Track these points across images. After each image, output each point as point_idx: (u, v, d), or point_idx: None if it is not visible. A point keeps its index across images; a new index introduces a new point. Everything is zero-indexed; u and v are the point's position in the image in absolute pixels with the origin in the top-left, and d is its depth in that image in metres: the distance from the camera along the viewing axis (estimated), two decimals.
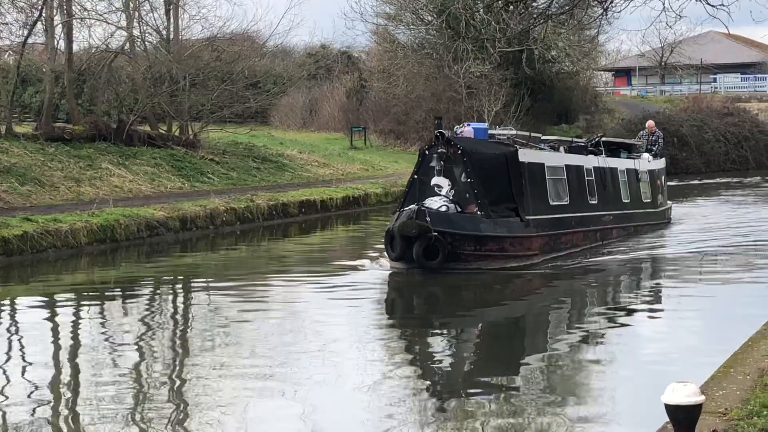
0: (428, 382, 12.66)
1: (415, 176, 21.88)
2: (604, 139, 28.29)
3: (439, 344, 15.22)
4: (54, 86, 36.11)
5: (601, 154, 26.41)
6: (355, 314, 17.23)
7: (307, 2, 67.63)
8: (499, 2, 48.24)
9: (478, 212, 21.13)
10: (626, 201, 27.07)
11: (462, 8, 48.27)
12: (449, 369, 13.69)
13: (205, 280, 21.43)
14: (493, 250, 21.10)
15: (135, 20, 38.82)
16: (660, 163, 30.83)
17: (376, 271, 21.25)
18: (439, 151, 21.34)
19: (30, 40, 36.32)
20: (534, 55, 52.19)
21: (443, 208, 20.76)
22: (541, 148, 24.26)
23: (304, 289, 19.83)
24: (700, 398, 6.71)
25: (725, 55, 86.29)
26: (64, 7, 35.26)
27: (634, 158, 28.75)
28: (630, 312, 17.82)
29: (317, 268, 22.65)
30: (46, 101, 35.30)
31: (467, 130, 22.86)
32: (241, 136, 42.24)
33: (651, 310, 18.16)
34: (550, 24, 47.84)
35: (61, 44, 36.19)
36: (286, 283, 20.44)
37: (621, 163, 27.44)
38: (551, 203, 22.98)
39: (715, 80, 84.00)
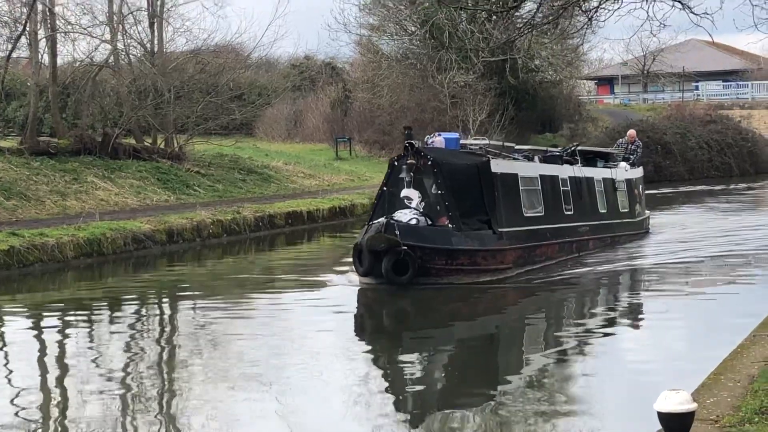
0: (401, 402, 12.23)
1: (385, 188, 21.21)
2: (580, 148, 27.87)
3: (410, 361, 14.69)
4: (38, 100, 36.06)
5: (577, 163, 25.90)
6: (320, 333, 16.42)
7: (291, 14, 67.74)
8: (483, 13, 48.47)
9: (449, 225, 20.47)
10: (603, 211, 26.42)
11: (445, 19, 48.50)
12: (422, 387, 13.21)
13: (191, 293, 21.39)
14: (464, 264, 20.48)
15: (119, 33, 38.80)
16: (638, 172, 30.33)
17: (344, 287, 20.49)
18: (409, 162, 20.72)
19: (14, 54, 36.31)
20: (517, 65, 52.36)
21: (413, 221, 20.14)
22: (514, 158, 23.76)
23: (267, 307, 19.11)
24: (692, 406, 6.76)
25: (707, 63, 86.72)
26: (48, 21, 35.25)
27: (610, 167, 28.17)
28: (611, 323, 17.49)
29: (286, 283, 21.97)
30: (30, 115, 35.23)
31: (438, 140, 22.27)
32: (227, 148, 42.22)
33: (633, 321, 17.98)
34: (533, 33, 48.18)
35: (45, 58, 36.18)
36: (257, 300, 19.94)
37: (597, 173, 26.83)
38: (525, 215, 22.35)
39: (697, 88, 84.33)
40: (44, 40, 35.69)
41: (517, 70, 52.69)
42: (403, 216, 20.15)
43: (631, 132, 32.57)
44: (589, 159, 27.72)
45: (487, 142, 24.15)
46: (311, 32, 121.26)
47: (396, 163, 21.13)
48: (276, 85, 54.21)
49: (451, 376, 13.87)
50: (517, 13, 43.62)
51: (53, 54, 35.88)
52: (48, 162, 32.26)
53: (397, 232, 19.47)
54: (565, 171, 24.68)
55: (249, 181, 38.48)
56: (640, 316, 18.45)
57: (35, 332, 17.05)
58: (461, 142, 23.16)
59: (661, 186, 51.45)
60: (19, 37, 34.22)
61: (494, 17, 46.14)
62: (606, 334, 16.35)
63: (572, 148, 27.13)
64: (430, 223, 20.40)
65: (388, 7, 54.66)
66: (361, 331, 17.55)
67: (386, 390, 12.86)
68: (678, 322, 17.29)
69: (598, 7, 12.74)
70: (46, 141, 35.19)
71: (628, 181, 28.61)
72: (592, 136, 60.43)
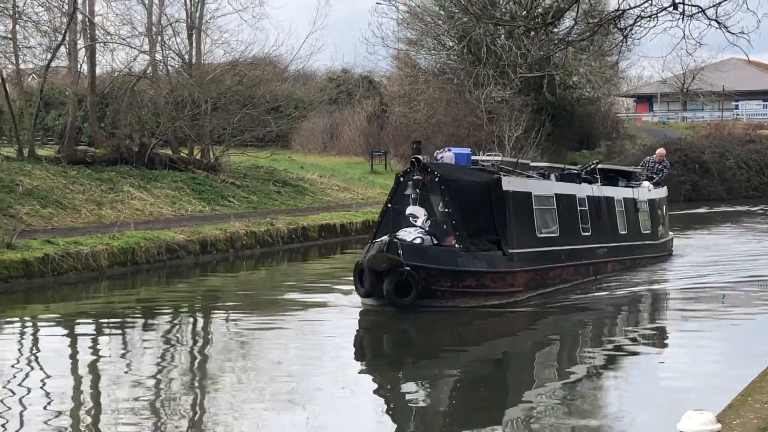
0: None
1: (389, 205, 20.27)
2: (600, 166, 26.70)
3: (412, 389, 13.69)
4: (77, 109, 36.35)
5: (597, 182, 24.93)
6: (318, 357, 15.42)
7: (328, 27, 68.04)
8: (520, 28, 48.45)
9: (456, 245, 19.37)
10: (623, 232, 25.41)
11: (483, 34, 48.48)
12: (424, 415, 12.37)
13: (223, 303, 21.43)
14: (471, 287, 19.39)
15: (157, 44, 39.05)
16: (661, 192, 29.26)
17: (346, 308, 19.48)
18: (415, 178, 19.73)
19: (53, 64, 36.62)
20: (555, 81, 52.26)
21: (418, 240, 19.12)
22: (528, 176, 22.68)
23: (261, 327, 18.26)
24: (716, 426, 6.69)
25: (747, 82, 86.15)
26: (88, 31, 35.57)
27: (633, 187, 27.12)
28: (629, 348, 16.63)
29: (289, 303, 20.93)
30: (68, 124, 35.52)
31: (448, 155, 21.20)
32: (262, 160, 42.41)
33: (653, 346, 17.26)
34: (570, 50, 48.05)
35: (84, 68, 36.49)
36: (277, 312, 19.58)
37: (618, 192, 25.84)
38: (538, 235, 21.30)
39: (737, 107, 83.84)
40: (83, 49, 36.02)
41: (554, 87, 52.57)
42: (408, 235, 19.25)
43: (660, 150, 31.22)
44: (610, 178, 26.77)
45: (500, 158, 22.80)
46: (348, 46, 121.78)
47: (402, 179, 20.18)
48: (313, 98, 54.36)
49: (456, 404, 13.05)
50: (555, 30, 43.56)
51: (92, 64, 36.20)
52: (85, 171, 32.50)
53: (400, 252, 18.57)
54: (583, 190, 23.78)
55: (283, 193, 38.60)
56: (660, 341, 17.76)
57: (69, 340, 17.12)
58: (473, 158, 22.11)
59: (699, 205, 51.11)
60: (58, 47, 34.51)
61: (532, 33, 46.15)
62: (624, 359, 15.73)
63: (592, 166, 26.06)
64: (435, 242, 19.43)
65: (426, 21, 54.67)
66: (360, 355, 16.55)
67: (383, 420, 12.16)
68: (700, 347, 16.64)
69: (633, 24, 12.65)
70: (83, 150, 35.47)
71: (651, 202, 27.70)
72: (630, 153, 60.16)
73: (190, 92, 38.51)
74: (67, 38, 34.40)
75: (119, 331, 17.76)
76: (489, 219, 19.95)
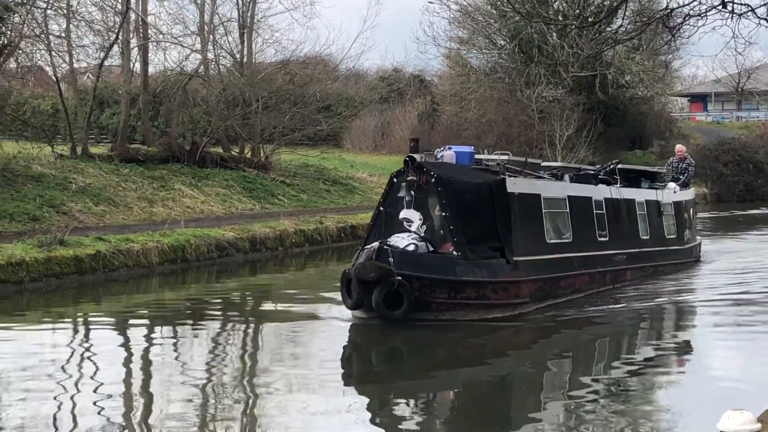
0: None
1: (381, 208, 18.46)
2: (620, 166, 24.66)
3: (404, 413, 12.12)
4: (129, 108, 36.71)
5: (616, 183, 23.15)
6: (301, 374, 13.91)
7: (378, 26, 68.11)
8: (573, 26, 48.20)
9: (454, 252, 17.58)
10: (645, 237, 23.64)
11: (535, 33, 48.33)
12: None
13: (272, 301, 21.51)
14: (470, 298, 17.62)
15: (209, 43, 39.40)
16: (688, 194, 27.45)
17: (333, 321, 17.85)
18: (409, 178, 17.98)
19: (106, 63, 37.01)
20: (607, 80, 51.98)
21: (411, 247, 17.37)
22: (538, 176, 20.98)
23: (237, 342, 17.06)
24: (756, 426, 6.63)
25: None
26: (140, 30, 35.92)
27: (657, 188, 25.32)
28: (652, 362, 15.15)
29: (279, 312, 19.53)
30: (121, 123, 35.92)
31: (448, 154, 19.29)
32: (312, 159, 42.57)
33: (680, 356, 15.81)
34: (623, 49, 47.75)
35: (137, 67, 36.83)
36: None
37: (639, 194, 24.04)
38: (548, 241, 19.54)
39: None
40: (136, 48, 36.37)
41: (606, 86, 52.30)
42: (400, 241, 17.52)
43: (680, 147, 29.09)
44: (632, 179, 25.00)
45: (506, 158, 20.78)
46: (398, 45, 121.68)
47: (395, 180, 18.37)
48: (363, 97, 54.48)
49: (453, 429, 11.75)
50: (608, 29, 43.34)
51: (144, 63, 36.53)
52: (137, 169, 32.85)
53: (391, 260, 16.82)
54: (600, 192, 22.05)
55: (333, 191, 38.76)
56: (688, 352, 16.31)
57: (121, 337, 17.19)
58: (477, 157, 20.23)
59: (752, 206, 50.57)
60: (111, 46, 34.86)
61: (584, 31, 45.92)
62: (647, 374, 14.20)
63: (612, 166, 24.26)
64: (431, 249, 17.67)
65: (478, 20, 54.58)
66: (347, 375, 14.49)
67: None
68: (733, 357, 15.41)
69: (682, 23, 12.56)
70: (136, 148, 35.86)
71: (676, 204, 25.94)
72: None
73: (241, 91, 38.77)
74: (120, 37, 34.75)
75: (170, 329, 17.84)
76: (491, 224, 18.22)
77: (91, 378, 13.58)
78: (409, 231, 17.75)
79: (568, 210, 20.34)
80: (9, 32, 26.03)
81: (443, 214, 17.77)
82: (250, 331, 18.17)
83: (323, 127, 44.50)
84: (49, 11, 30.03)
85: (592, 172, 23.46)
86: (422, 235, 17.75)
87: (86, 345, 16.59)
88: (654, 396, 12.96)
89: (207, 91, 39.88)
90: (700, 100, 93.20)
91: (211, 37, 39.65)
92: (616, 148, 55.37)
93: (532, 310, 18.45)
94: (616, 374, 14.12)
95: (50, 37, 32.39)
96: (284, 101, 41.17)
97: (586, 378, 13.94)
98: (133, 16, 35.07)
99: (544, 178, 21.14)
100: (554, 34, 50.28)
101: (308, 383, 13.31)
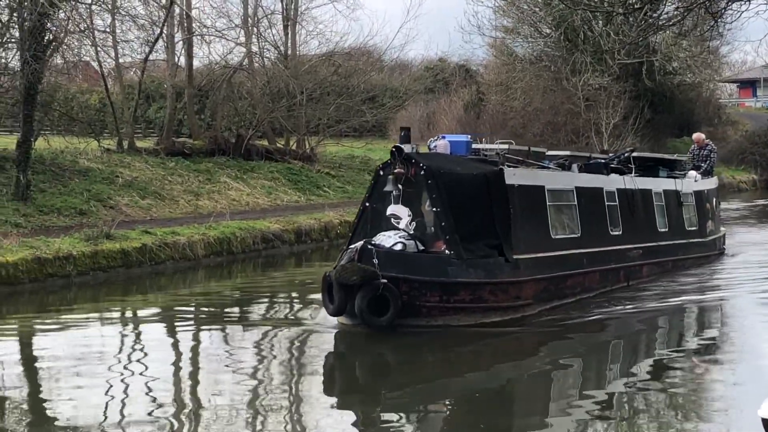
0: None
1: (367, 204, 16.97)
2: (635, 154, 23.11)
3: (391, 430, 11.08)
4: (175, 102, 36.92)
5: (630, 172, 21.65)
6: (276, 386, 12.84)
7: (422, 16, 68.03)
8: (619, 12, 47.79)
9: (447, 251, 16.03)
10: (663, 230, 22.20)
11: (580, 20, 47.97)
12: None
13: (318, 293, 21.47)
14: (465, 301, 16.06)
15: (253, 36, 39.50)
16: (710, 183, 25.83)
17: (317, 327, 16.44)
18: (396, 171, 16.35)
19: (151, 57, 37.24)
20: (654, 67, 51.51)
21: (398, 246, 15.85)
22: (543, 166, 19.42)
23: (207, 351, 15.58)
24: None
25: None
26: (185, 24, 36.10)
27: (676, 177, 23.90)
28: (672, 367, 13.82)
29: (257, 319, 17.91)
30: (167, 116, 36.17)
31: (442, 143, 17.73)
32: (358, 150, 42.60)
33: (702, 360, 14.12)
34: (669, 35, 47.30)
35: (182, 60, 37.06)
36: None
37: (657, 184, 22.56)
38: (554, 237, 18.05)
39: None
40: (181, 42, 36.57)
41: (653, 72, 51.84)
42: (386, 239, 15.99)
43: (698, 135, 27.37)
44: (649, 168, 23.42)
45: (507, 147, 19.22)
46: (443, 34, 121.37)
47: (381, 173, 16.78)
48: (408, 88, 54.42)
49: None
50: (654, 14, 42.90)
51: (189, 56, 36.73)
52: (183, 162, 33.06)
53: (375, 261, 15.32)
54: (612, 182, 20.59)
55: None
56: (711, 355, 14.72)
57: (166, 330, 17.33)
58: (474, 146, 18.63)
59: None
60: (156, 40, 35.05)
61: (630, 18, 45.53)
62: (670, 372, 13.34)
63: (626, 154, 22.77)
64: (421, 248, 16.14)
65: (523, 9, 54.30)
66: (329, 388, 13.18)
67: None
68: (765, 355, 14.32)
69: (724, 8, 12.41)
70: (182, 142, 36.11)
71: (698, 194, 24.46)
72: (732, 140, 59.17)
73: (285, 83, 38.88)
74: (164, 32, 34.96)
75: (217, 322, 17.89)
76: (488, 219, 16.68)
77: (139, 371, 13.63)
78: (397, 228, 16.26)
79: (575, 202, 18.92)
80: (55, 28, 26.22)
81: (434, 209, 16.27)
82: (290, 329, 18.20)
83: (368, 118, 44.51)
84: (94, 6, 30.19)
85: (603, 161, 21.79)
86: (411, 232, 16.22)
87: (133, 338, 16.72)
88: (675, 409, 11.66)
89: (252, 84, 40.01)
90: (749, 85, 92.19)
91: (255, 29, 39.81)
92: (664, 136, 54.95)
93: (535, 313, 16.99)
94: (631, 385, 12.71)
95: (95, 32, 32.63)
96: (329, 93, 41.24)
97: (597, 391, 12.56)
98: (177, 10, 35.26)
99: (548, 168, 19.55)
100: (600, 21, 49.88)
101: (286, 396, 12.36)
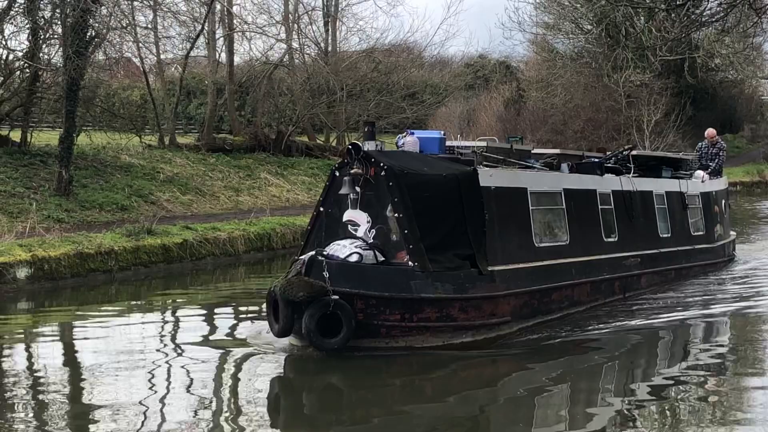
0: None
1: (321, 208, 14.87)
2: (635, 152, 20.89)
3: None
4: (216, 98, 37.04)
5: (628, 172, 19.65)
6: (213, 420, 10.86)
7: (462, 13, 67.93)
8: (662, 8, 47.45)
9: (410, 262, 14.00)
10: (665, 235, 20.28)
11: (622, 16, 47.69)
12: None
13: None
14: (431, 320, 14.01)
15: (294, 33, 39.55)
16: (719, 184, 23.89)
17: (260, 351, 14.25)
18: (353, 171, 14.38)
19: (192, 53, 37.39)
20: (696, 64, 51.13)
21: (354, 257, 13.96)
22: (528, 165, 17.25)
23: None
24: None
25: None
26: (225, 20, 36.21)
27: (681, 177, 21.95)
28: (673, 392, 12.05)
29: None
30: (207, 113, 36.31)
31: (410, 140, 15.60)
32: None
33: (707, 383, 12.43)
34: (712, 32, 46.91)
35: (223, 57, 37.17)
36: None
37: (658, 185, 20.58)
38: (537, 245, 16.05)
39: None
40: (222, 39, 36.69)
41: (695, 69, 51.47)
42: (340, 250, 14.13)
43: (710, 131, 24.56)
44: (651, 167, 21.36)
45: (485, 144, 16.74)
46: (483, 31, 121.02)
47: (337, 174, 14.77)
48: (449, 84, 54.31)
49: None
50: (697, 11, 42.58)
51: (230, 53, 36.88)
52: (223, 158, 33.18)
53: (326, 274, 13.43)
54: (607, 183, 18.56)
55: None
56: (718, 375, 13.00)
57: (209, 326, 17.31)
58: (448, 144, 16.30)
59: None
60: (197, 37, 35.23)
61: (672, 14, 45.19)
62: (663, 407, 11.45)
63: (625, 152, 20.55)
64: (381, 259, 14.20)
65: (564, 5, 54.12)
66: (272, 421, 11.05)
67: None
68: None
69: None
70: (222, 138, 36.25)
71: (705, 196, 22.51)
72: None
73: (325, 80, 38.90)
74: (205, 28, 35.08)
75: (257, 318, 17.87)
76: (459, 226, 14.69)
77: (182, 368, 13.63)
78: (355, 237, 14.44)
79: (564, 206, 16.96)
80: (97, 24, 26.37)
81: (396, 214, 14.20)
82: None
83: (408, 114, 44.45)
84: (135, 3, 30.42)
85: (597, 160, 19.48)
86: (371, 241, 14.33)
87: (175, 333, 16.74)
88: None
89: (292, 80, 40.08)
90: None
91: (296, 26, 39.86)
92: None
93: (514, 331, 14.90)
94: (625, 412, 11.08)
95: (137, 28, 32.81)
96: (369, 89, 41.26)
97: (586, 422, 10.70)
98: (218, 6, 35.37)
99: (533, 167, 17.38)
100: (642, 17, 49.56)
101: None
